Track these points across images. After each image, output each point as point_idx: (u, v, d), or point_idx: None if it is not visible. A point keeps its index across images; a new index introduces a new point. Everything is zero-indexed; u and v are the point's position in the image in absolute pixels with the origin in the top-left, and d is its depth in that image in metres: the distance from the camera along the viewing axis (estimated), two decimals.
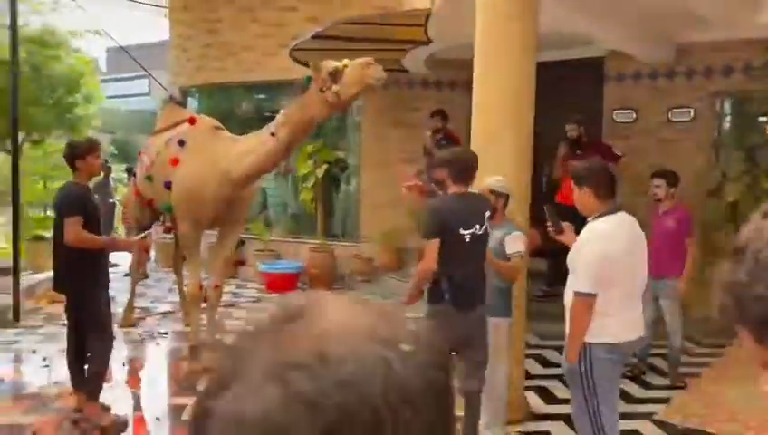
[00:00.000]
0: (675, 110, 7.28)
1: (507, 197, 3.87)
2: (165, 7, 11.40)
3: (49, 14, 10.30)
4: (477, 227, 3.44)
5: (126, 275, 7.90)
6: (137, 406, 4.72)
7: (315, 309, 0.53)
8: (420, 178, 8.12)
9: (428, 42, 6.47)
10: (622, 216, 3.14)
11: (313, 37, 6.48)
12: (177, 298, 8.11)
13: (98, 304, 4.17)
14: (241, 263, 6.96)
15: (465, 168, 3.52)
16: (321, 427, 0.46)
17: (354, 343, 0.50)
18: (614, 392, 3.21)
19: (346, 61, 4.43)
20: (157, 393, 5.00)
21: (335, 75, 4.37)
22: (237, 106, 9.82)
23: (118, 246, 4.20)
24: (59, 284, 4.29)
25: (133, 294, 6.78)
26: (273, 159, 4.99)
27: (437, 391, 0.51)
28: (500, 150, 4.25)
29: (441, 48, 7.36)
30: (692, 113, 7.19)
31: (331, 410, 0.46)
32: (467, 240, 3.41)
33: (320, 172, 8.60)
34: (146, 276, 8.96)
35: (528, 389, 4.77)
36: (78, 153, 4.16)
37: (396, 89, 8.72)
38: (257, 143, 4.97)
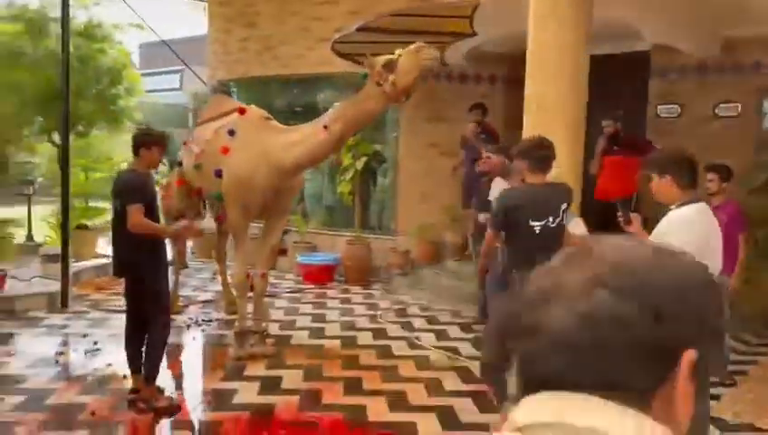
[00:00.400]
0: (721, 105, 7.17)
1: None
2: (204, 1, 11.54)
3: (93, 7, 10.51)
4: (550, 219, 3.40)
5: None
6: (183, 390, 4.81)
7: (601, 245, 0.71)
8: (457, 173, 8.15)
9: (473, 34, 6.46)
10: (703, 206, 3.13)
11: (358, 30, 6.51)
12: (217, 287, 8.28)
13: (158, 289, 4.27)
14: (283, 252, 7.06)
15: (543, 157, 3.48)
16: (653, 311, 0.62)
17: (641, 258, 0.67)
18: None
19: (399, 51, 4.46)
20: (202, 379, 5.09)
21: (390, 66, 4.42)
22: (275, 99, 9.90)
23: (175, 234, 4.27)
24: (119, 268, 4.38)
25: (177, 282, 6.89)
26: (323, 152, 5.06)
27: (705, 285, 0.67)
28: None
29: (484, 41, 7.35)
30: (739, 108, 7.08)
31: (656, 296, 0.62)
32: (537, 232, 3.38)
33: (359, 165, 8.65)
34: (185, 266, 9.13)
35: None
36: (148, 141, 4.26)
37: (435, 83, 8.72)
38: (308, 135, 5.03)
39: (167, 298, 4.44)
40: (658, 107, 7.58)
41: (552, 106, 4.27)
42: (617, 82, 7.51)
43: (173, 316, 6.51)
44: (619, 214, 3.52)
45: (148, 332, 4.29)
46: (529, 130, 4.44)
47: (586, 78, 4.39)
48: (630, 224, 3.45)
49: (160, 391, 4.40)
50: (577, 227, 3.80)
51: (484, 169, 6.35)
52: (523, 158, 3.51)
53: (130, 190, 4.13)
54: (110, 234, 4.51)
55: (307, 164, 5.21)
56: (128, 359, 4.43)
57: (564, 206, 3.47)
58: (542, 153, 3.49)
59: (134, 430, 4.02)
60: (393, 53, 4.48)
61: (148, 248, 4.18)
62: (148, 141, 4.26)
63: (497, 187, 6.04)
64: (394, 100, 4.61)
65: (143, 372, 4.31)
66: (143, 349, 4.34)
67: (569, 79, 4.28)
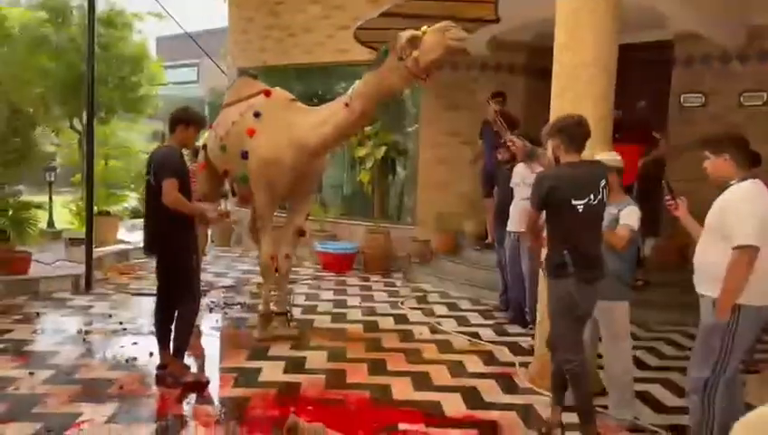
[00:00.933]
0: (746, 93, 7.10)
1: (621, 171, 3.92)
2: None
3: None
4: (591, 196, 3.37)
5: None
6: (209, 369, 4.85)
7: None
8: (477, 164, 8.12)
9: (497, 20, 6.43)
10: (760, 183, 3.17)
11: (381, 15, 6.50)
12: (238, 274, 8.35)
13: (188, 266, 4.31)
14: (302, 233, 7.10)
15: (578, 135, 3.46)
16: None
17: None
18: (743, 353, 3.28)
19: (425, 27, 4.44)
20: (227, 358, 5.13)
21: (414, 42, 4.38)
22: (296, 87, 9.93)
23: (205, 214, 4.30)
24: (150, 245, 4.41)
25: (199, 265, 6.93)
26: (346, 130, 5.05)
27: None
28: None
29: (506, 29, 7.32)
30: (765, 97, 7.01)
31: None
32: (580, 211, 3.36)
33: (378, 154, 8.66)
34: (204, 254, 9.19)
35: None
36: (186, 118, 4.28)
37: (454, 71, 8.71)
38: (331, 113, 5.04)
39: (197, 274, 4.47)
40: (682, 96, 7.52)
41: (580, 90, 4.25)
42: (639, 71, 7.46)
43: None
44: (668, 198, 3.55)
45: (179, 306, 4.33)
46: (556, 113, 4.42)
47: (615, 60, 4.36)
48: (677, 208, 3.52)
49: (186, 367, 4.44)
50: (631, 215, 3.81)
51: (505, 156, 6.33)
52: (562, 135, 3.49)
53: (167, 165, 4.14)
54: (144, 209, 4.54)
55: (332, 143, 5.22)
56: (156, 335, 4.47)
57: (603, 182, 3.46)
58: (581, 130, 3.48)
59: (163, 404, 4.06)
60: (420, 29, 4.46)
61: (181, 225, 4.21)
62: (186, 119, 4.29)
63: (520, 173, 6.04)
64: (415, 77, 4.52)
65: (172, 345, 4.35)
66: (172, 326, 4.37)
67: (598, 61, 4.25)
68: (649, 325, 6.17)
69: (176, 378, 4.28)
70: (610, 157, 3.95)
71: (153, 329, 4.61)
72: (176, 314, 4.34)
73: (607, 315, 3.90)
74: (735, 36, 7.05)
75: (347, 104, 4.89)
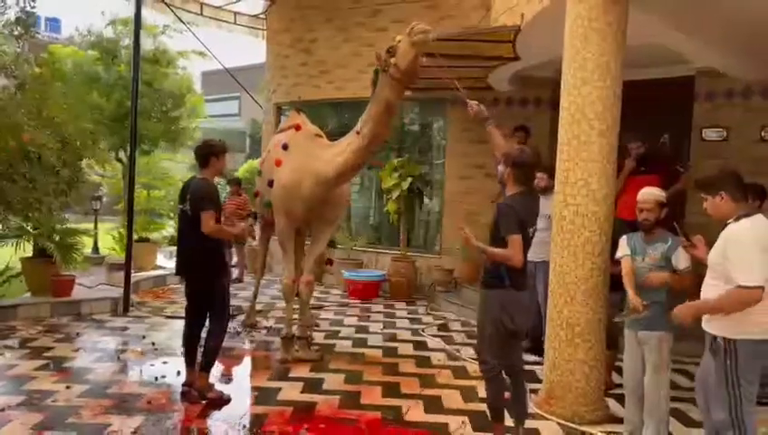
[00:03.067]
0: None
1: (664, 206, 4.00)
2: (262, 29, 12.18)
3: (160, 36, 11.27)
4: (536, 223, 3.84)
5: None
6: (231, 387, 5.11)
7: None
8: (498, 200, 8.29)
9: (516, 58, 6.70)
10: (760, 217, 3.23)
11: None
12: (266, 299, 8.65)
13: (221, 286, 4.63)
14: (330, 262, 7.38)
15: (530, 173, 3.86)
16: None
17: None
18: (755, 385, 3.26)
19: (399, 36, 4.76)
20: (250, 378, 5.39)
21: (391, 51, 4.73)
22: (329, 120, 10.35)
23: (241, 236, 4.78)
24: (183, 268, 4.76)
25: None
26: (359, 156, 5.34)
27: None
28: (589, 159, 4.44)
29: (527, 65, 7.56)
30: None
31: None
32: (530, 234, 3.77)
33: (405, 185, 8.93)
34: (240, 280, 9.58)
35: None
36: (215, 151, 4.65)
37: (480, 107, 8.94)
38: (347, 144, 5.41)
39: (227, 295, 4.77)
40: (704, 131, 7.59)
41: (586, 124, 4.45)
42: (661, 106, 7.58)
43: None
44: (684, 242, 3.72)
45: (210, 324, 4.65)
46: (563, 146, 4.62)
47: (619, 96, 4.55)
48: (695, 247, 3.65)
49: (211, 384, 4.71)
50: (684, 256, 3.83)
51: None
52: (516, 169, 3.81)
53: (206, 198, 4.49)
54: (178, 236, 4.90)
55: (348, 172, 5.54)
56: (185, 355, 4.78)
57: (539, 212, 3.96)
58: (533, 169, 3.92)
59: (186, 418, 4.33)
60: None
61: (212, 250, 4.56)
62: (215, 151, 4.65)
63: (545, 204, 6.20)
64: (400, 83, 4.82)
65: (200, 361, 4.64)
66: (198, 345, 4.68)
67: (604, 97, 4.45)
68: None
69: (200, 393, 4.56)
70: (661, 193, 4.06)
71: (182, 349, 4.91)
72: (206, 333, 4.65)
73: (651, 346, 3.90)
74: (757, 71, 7.13)
75: (358, 132, 5.25)
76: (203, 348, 4.66)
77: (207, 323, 4.70)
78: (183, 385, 4.71)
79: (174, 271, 5.07)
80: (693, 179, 7.05)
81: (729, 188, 3.27)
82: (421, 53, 4.75)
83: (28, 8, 6.46)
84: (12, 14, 6.47)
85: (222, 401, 4.59)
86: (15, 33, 6.48)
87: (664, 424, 4.03)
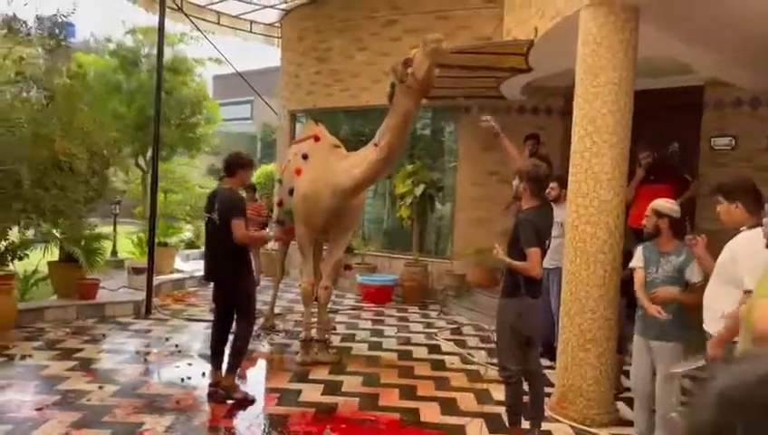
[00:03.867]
0: None
1: (674, 220, 4.04)
2: (277, 37, 12.42)
3: (178, 44, 11.54)
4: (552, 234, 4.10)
5: None
6: (254, 389, 5.32)
7: None
8: (510, 209, 8.47)
9: (529, 69, 6.88)
10: None
11: None
12: (284, 302, 8.87)
13: (248, 290, 4.86)
14: (348, 267, 7.59)
15: (543, 185, 4.12)
16: None
17: None
18: None
19: (414, 50, 4.96)
20: (272, 380, 5.59)
21: (407, 62, 4.95)
22: (342, 128, 10.55)
23: (266, 237, 5.08)
24: (210, 273, 4.98)
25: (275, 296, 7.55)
26: (377, 168, 5.53)
27: None
28: (601, 171, 4.61)
29: (539, 76, 7.74)
30: None
31: None
32: (546, 245, 4.02)
33: (418, 191, 9.12)
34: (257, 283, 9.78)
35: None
36: (243, 164, 4.90)
37: (493, 115, 9.13)
38: (364, 156, 5.61)
39: (254, 298, 5.01)
40: (713, 139, 7.74)
41: (597, 134, 4.63)
42: (671, 115, 7.74)
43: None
44: (689, 236, 3.88)
45: (237, 326, 4.88)
46: (575, 155, 4.80)
47: (631, 106, 4.72)
48: (697, 245, 3.80)
49: (237, 385, 4.92)
50: (697, 269, 3.92)
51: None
52: (531, 183, 4.03)
53: (235, 207, 4.73)
54: (205, 242, 5.12)
55: (366, 183, 5.77)
56: (212, 356, 4.99)
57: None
58: (545, 182, 4.27)
59: (214, 417, 4.54)
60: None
61: (240, 256, 4.78)
62: (242, 163, 4.88)
63: (557, 213, 6.38)
64: (419, 92, 5.01)
65: (226, 362, 4.86)
66: (225, 348, 4.89)
67: (616, 107, 4.62)
68: None
69: (226, 393, 4.77)
70: (668, 205, 4.11)
71: (207, 351, 5.13)
72: (233, 335, 4.87)
73: (662, 355, 3.99)
74: (765, 82, 7.26)
75: (376, 144, 5.44)
76: (230, 349, 4.87)
77: (234, 325, 4.91)
78: (210, 386, 4.92)
79: (203, 277, 5.28)
80: (702, 187, 7.27)
81: (746, 199, 3.41)
82: (436, 63, 4.92)
83: (61, 22, 6.71)
84: (45, 29, 6.73)
85: (247, 401, 4.80)
86: (48, 47, 6.74)
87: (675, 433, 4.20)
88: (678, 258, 3.97)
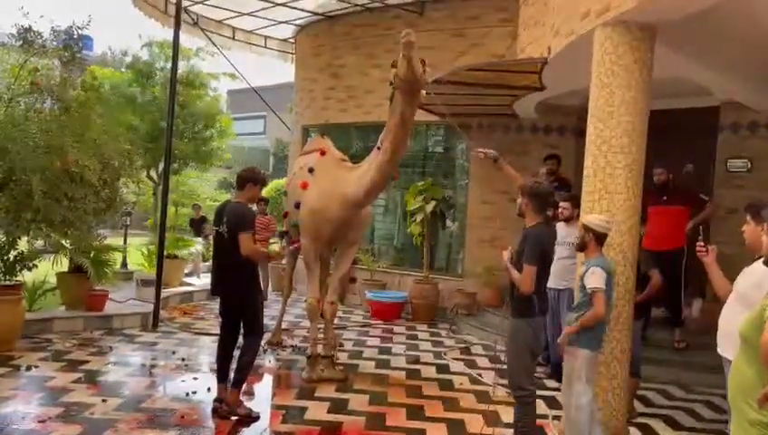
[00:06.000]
0: None
1: (599, 234, 4.17)
2: (292, 53, 12.49)
3: (193, 58, 11.63)
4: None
5: None
6: (260, 404, 5.24)
7: None
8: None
9: (542, 88, 6.85)
10: None
11: (434, 81, 6.99)
12: (291, 318, 8.81)
13: (255, 305, 4.81)
14: (353, 280, 7.55)
15: (548, 202, 4.17)
16: None
17: None
18: None
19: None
20: (277, 396, 5.52)
21: (393, 66, 4.92)
22: (355, 144, 10.55)
23: (273, 256, 5.03)
24: (218, 287, 4.95)
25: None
26: (383, 171, 5.47)
27: None
28: (615, 191, 4.55)
29: (552, 94, 7.70)
30: None
31: None
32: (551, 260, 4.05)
33: (429, 208, 9.06)
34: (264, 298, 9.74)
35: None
36: (256, 179, 4.87)
37: (505, 133, 9.15)
38: (369, 164, 5.62)
39: (261, 313, 4.96)
40: (728, 161, 7.65)
41: (612, 153, 4.57)
42: (686, 136, 7.67)
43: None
44: (700, 244, 3.79)
45: (244, 341, 4.82)
46: (589, 175, 4.73)
47: (645, 125, 4.65)
48: (707, 254, 3.73)
49: (241, 401, 4.85)
50: (591, 277, 4.10)
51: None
52: (534, 199, 4.02)
53: (244, 221, 4.69)
54: (213, 255, 5.09)
55: (377, 189, 5.73)
56: (217, 371, 4.93)
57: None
58: (550, 199, 4.37)
59: (218, 434, 4.47)
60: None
61: (248, 270, 4.74)
62: (254, 179, 4.86)
63: (558, 232, 6.28)
64: (408, 91, 4.89)
65: (232, 377, 4.80)
66: (231, 363, 4.83)
67: (631, 127, 4.56)
68: (691, 387, 6.20)
69: (231, 408, 4.70)
70: (599, 221, 4.24)
71: (212, 365, 5.07)
72: (239, 350, 4.82)
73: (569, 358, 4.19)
74: None
75: (379, 147, 5.46)
76: (236, 364, 4.81)
77: (240, 339, 4.86)
78: (214, 401, 4.86)
79: (210, 290, 5.24)
80: (717, 210, 7.16)
81: None
82: (411, 56, 4.67)
83: (76, 34, 6.77)
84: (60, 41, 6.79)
85: (251, 418, 4.72)
86: (64, 59, 6.80)
87: (575, 429, 4.11)
88: (585, 266, 4.13)
